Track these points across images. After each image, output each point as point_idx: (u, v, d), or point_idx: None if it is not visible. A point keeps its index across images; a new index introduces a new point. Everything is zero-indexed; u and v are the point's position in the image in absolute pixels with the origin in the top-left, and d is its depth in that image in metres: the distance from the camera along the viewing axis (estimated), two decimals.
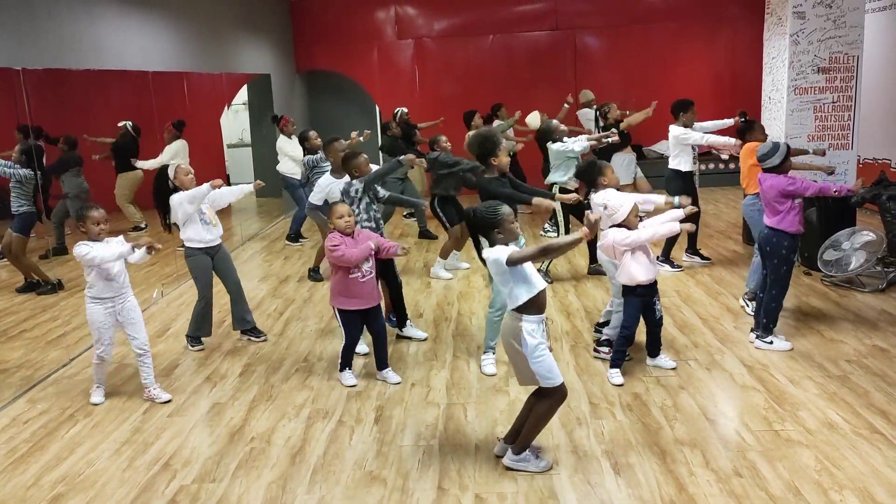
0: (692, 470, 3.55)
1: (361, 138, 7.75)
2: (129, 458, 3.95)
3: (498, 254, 3.42)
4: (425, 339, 5.53)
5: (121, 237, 4.61)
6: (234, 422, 4.33)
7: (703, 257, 7.32)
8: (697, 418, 4.08)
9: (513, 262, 3.39)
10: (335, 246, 4.51)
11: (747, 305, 5.74)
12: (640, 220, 4.57)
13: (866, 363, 4.72)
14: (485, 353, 4.97)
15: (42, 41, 5.70)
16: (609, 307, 5.10)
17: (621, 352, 4.66)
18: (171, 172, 5.29)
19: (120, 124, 7.64)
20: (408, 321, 5.61)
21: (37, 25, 5.65)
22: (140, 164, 7.77)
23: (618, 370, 4.62)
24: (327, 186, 6.05)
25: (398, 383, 4.75)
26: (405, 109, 10.18)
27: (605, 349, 4.95)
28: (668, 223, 4.57)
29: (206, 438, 4.14)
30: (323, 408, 4.46)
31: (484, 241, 3.64)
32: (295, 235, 9.24)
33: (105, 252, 4.36)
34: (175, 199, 5.22)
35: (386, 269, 5.42)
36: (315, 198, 6.24)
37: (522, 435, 3.64)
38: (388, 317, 5.83)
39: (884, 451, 3.64)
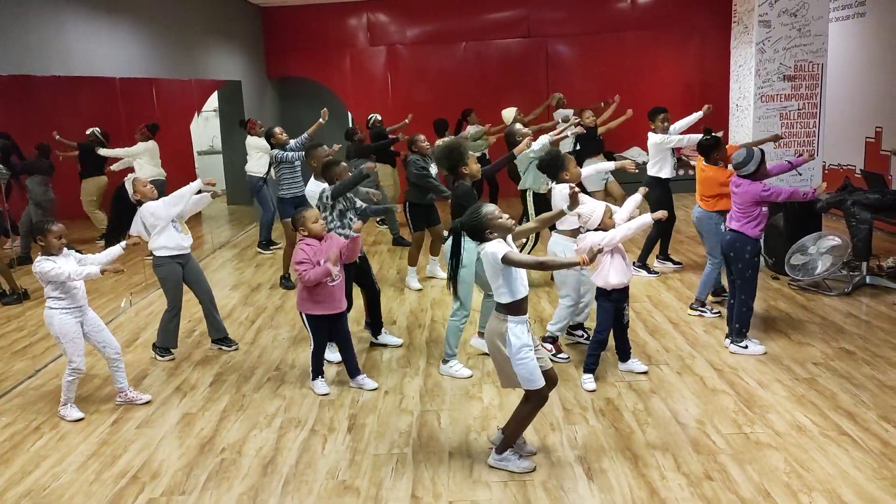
0: (664, 474, 3.58)
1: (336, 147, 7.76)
2: (95, 471, 3.88)
3: (495, 248, 3.45)
4: (401, 345, 5.50)
5: (73, 252, 4.55)
6: (205, 432, 4.27)
7: (674, 262, 7.41)
8: (669, 422, 4.12)
9: (507, 262, 3.42)
10: (300, 263, 4.52)
11: (705, 313, 5.84)
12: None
13: (833, 366, 4.79)
14: (446, 360, 4.98)
15: (7, 47, 5.60)
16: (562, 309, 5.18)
17: (594, 356, 4.69)
18: (129, 188, 5.15)
19: (88, 132, 7.53)
20: (382, 329, 5.59)
21: (2, 31, 5.55)
22: (104, 152, 7.64)
23: (591, 375, 4.64)
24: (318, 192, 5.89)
25: (374, 389, 4.73)
26: (378, 116, 10.18)
27: (549, 346, 5.05)
28: (637, 219, 4.62)
29: (175, 450, 4.08)
30: (295, 417, 4.42)
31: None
32: (266, 243, 9.16)
33: (73, 268, 4.30)
34: (150, 208, 5.12)
35: (363, 277, 5.40)
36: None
37: (506, 435, 3.69)
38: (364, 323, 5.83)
39: (851, 452, 3.70)
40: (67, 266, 4.30)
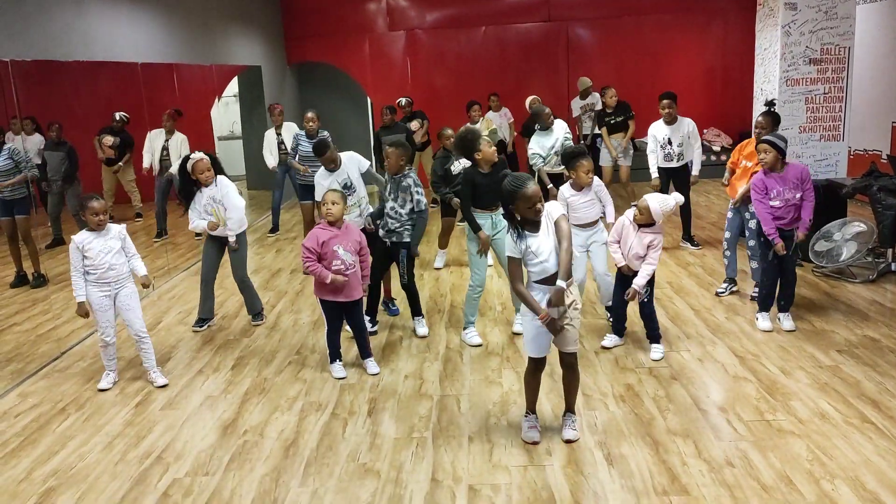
0: (685, 460, 3.57)
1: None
2: (121, 451, 3.94)
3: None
4: (424, 337, 5.45)
5: (122, 226, 4.74)
6: (227, 415, 4.32)
7: (693, 243, 7.45)
8: (690, 409, 4.10)
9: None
10: (305, 249, 4.61)
11: (724, 292, 6.02)
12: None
13: (857, 353, 4.74)
14: (465, 327, 5.26)
15: (31, 33, 5.64)
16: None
17: (616, 319, 5.00)
18: (189, 166, 5.39)
19: (118, 115, 7.62)
20: (419, 317, 5.52)
21: (25, 17, 5.59)
22: (148, 162, 7.90)
23: (615, 336, 4.97)
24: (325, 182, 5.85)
25: (375, 374, 4.76)
26: (420, 115, 10.13)
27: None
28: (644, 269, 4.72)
29: (198, 431, 4.13)
30: (316, 400, 4.46)
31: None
32: (273, 227, 9.40)
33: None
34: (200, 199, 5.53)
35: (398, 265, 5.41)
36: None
37: None
38: (386, 304, 5.90)
39: (874, 440, 3.66)
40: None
